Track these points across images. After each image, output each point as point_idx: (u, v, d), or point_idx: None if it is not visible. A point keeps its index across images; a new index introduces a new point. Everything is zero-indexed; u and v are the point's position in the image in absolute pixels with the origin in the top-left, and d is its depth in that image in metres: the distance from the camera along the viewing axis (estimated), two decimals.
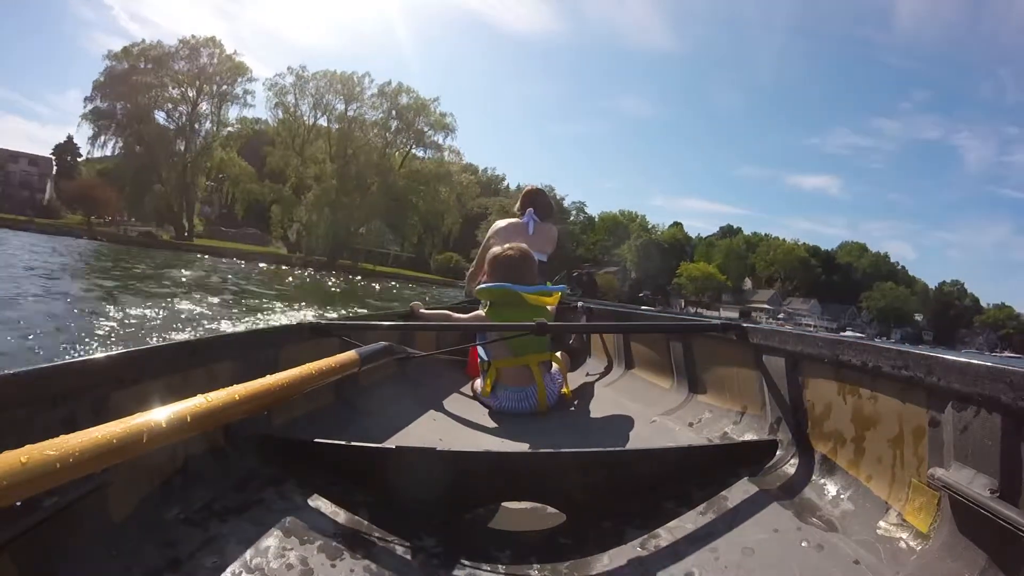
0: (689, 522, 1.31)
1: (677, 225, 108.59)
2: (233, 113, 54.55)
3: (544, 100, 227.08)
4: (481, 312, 2.73)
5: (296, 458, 1.49)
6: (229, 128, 54.50)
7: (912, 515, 1.11)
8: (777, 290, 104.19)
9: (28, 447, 0.77)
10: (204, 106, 52.86)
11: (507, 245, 2.76)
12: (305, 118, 54.90)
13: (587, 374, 3.28)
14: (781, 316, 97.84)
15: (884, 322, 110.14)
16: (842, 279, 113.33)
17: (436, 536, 1.26)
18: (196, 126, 52.41)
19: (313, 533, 1.22)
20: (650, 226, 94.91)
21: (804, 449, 1.50)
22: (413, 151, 56.30)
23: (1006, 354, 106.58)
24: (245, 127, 58.18)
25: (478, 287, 2.71)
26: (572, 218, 77.30)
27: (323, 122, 55.02)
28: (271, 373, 1.31)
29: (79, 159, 62.51)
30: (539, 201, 3.95)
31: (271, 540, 1.16)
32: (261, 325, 2.24)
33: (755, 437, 1.69)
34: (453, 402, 2.59)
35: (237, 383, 1.19)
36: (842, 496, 1.29)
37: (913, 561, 1.02)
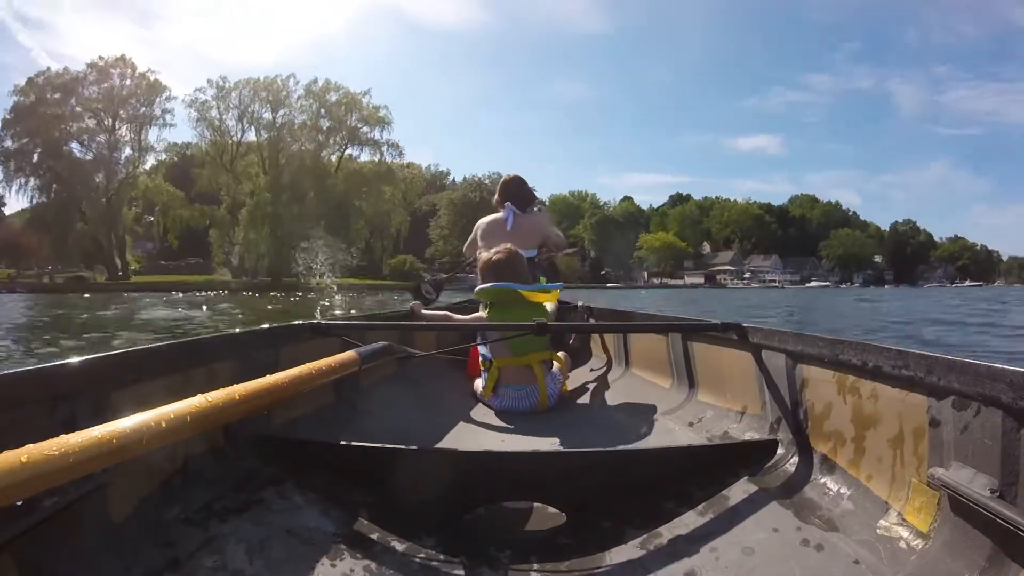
0: (689, 522, 1.33)
1: (628, 199, 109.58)
2: (154, 136, 51.41)
3: (479, 92, 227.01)
4: (482, 312, 2.77)
5: (296, 458, 1.50)
6: (153, 153, 51.84)
7: (912, 515, 1.12)
8: (736, 250, 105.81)
9: (28, 447, 0.78)
10: (123, 132, 49.97)
11: (494, 249, 2.77)
12: (232, 132, 52.26)
13: (587, 374, 3.32)
14: (747, 275, 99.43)
15: (845, 268, 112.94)
16: (798, 232, 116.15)
17: (436, 536, 1.29)
18: (115, 154, 49.43)
19: (313, 533, 1.24)
20: (602, 203, 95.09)
21: (804, 449, 1.50)
22: (350, 151, 54.29)
23: (967, 283, 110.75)
24: (173, 151, 55.79)
25: (476, 289, 2.73)
26: None
27: (252, 134, 52.48)
28: (271, 373, 1.31)
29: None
30: (516, 191, 3.73)
31: (271, 540, 1.18)
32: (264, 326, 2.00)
33: (755, 437, 1.69)
34: (453, 402, 2.63)
35: (237, 383, 1.19)
36: (842, 496, 1.30)
37: (913, 561, 1.04)
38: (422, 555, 1.22)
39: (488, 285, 2.63)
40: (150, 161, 52.51)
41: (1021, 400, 0.92)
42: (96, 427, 0.87)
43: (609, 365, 3.29)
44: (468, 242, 3.89)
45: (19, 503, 0.78)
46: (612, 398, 2.71)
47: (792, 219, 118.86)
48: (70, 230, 47.01)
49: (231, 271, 51.07)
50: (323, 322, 2.11)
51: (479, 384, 2.62)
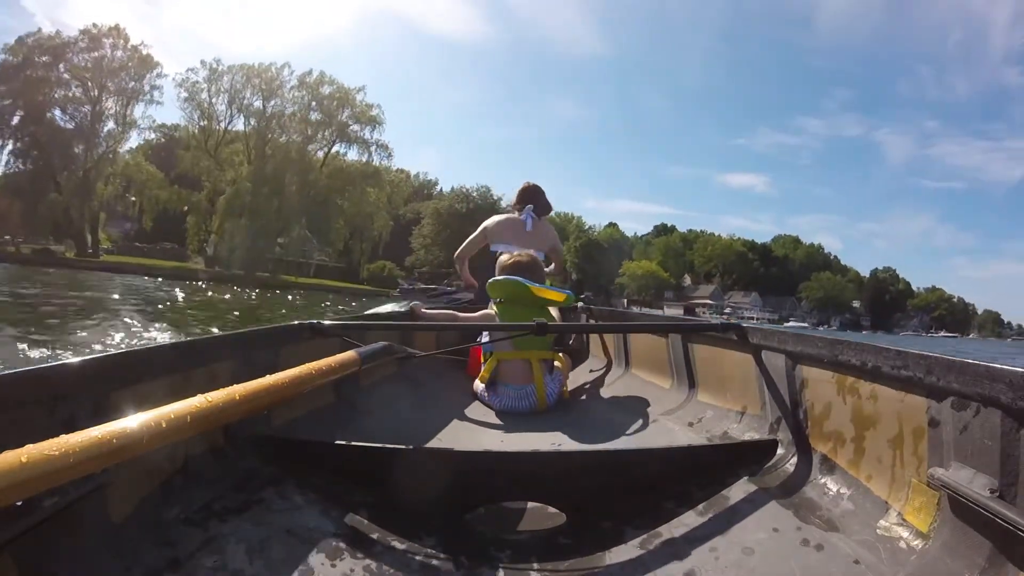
0: (689, 522, 1.34)
1: (613, 226, 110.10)
2: (139, 112, 49.38)
3: (474, 104, 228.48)
4: (490, 311, 2.80)
5: (296, 458, 1.51)
6: (137, 130, 49.99)
7: (912, 515, 1.14)
8: (717, 285, 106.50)
9: (28, 447, 0.78)
10: (109, 104, 48.01)
11: (516, 252, 2.87)
12: (220, 117, 50.05)
13: (587, 374, 3.35)
14: (727, 311, 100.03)
15: (824, 311, 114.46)
16: (780, 271, 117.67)
17: (436, 536, 1.31)
18: (98, 126, 47.31)
19: (313, 533, 1.25)
20: (587, 227, 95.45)
21: (804, 449, 1.52)
22: (337, 148, 52.25)
23: (941, 334, 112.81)
24: (160, 132, 54.43)
25: (489, 282, 2.76)
26: None
27: (240, 121, 50.19)
28: (271, 373, 1.32)
29: None
30: (537, 198, 3.94)
31: (271, 540, 1.19)
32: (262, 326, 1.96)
33: (755, 437, 1.71)
34: (453, 402, 2.64)
35: (237, 383, 1.20)
36: (842, 496, 1.31)
37: (913, 561, 1.05)
38: (422, 555, 1.23)
39: (501, 277, 2.69)
40: (133, 138, 50.84)
41: (1021, 400, 0.94)
42: (96, 427, 0.87)
43: (609, 365, 3.32)
44: (469, 240, 3.94)
45: (19, 503, 0.78)
46: (612, 398, 2.75)
47: (774, 258, 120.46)
48: (42, 199, 45.01)
49: (205, 260, 49.53)
50: (323, 322, 2.12)
51: (479, 384, 2.64)
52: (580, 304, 3.82)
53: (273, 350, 1.83)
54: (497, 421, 2.39)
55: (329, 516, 1.33)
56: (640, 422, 2.20)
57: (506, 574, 1.19)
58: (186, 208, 50.02)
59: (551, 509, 1.48)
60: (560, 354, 2.70)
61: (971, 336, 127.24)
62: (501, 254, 3.07)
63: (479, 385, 2.65)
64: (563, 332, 3.38)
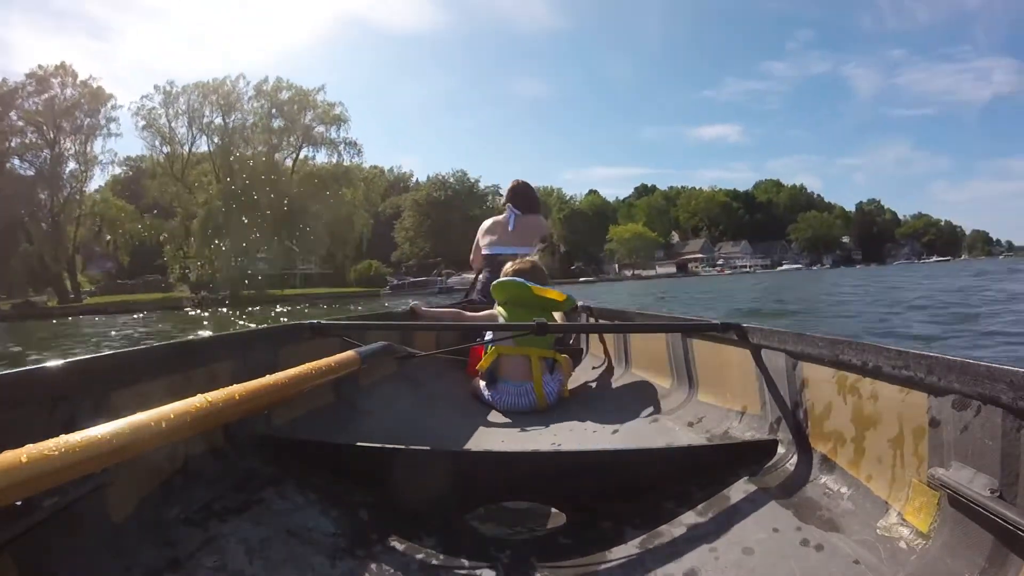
0: (689, 522, 1.35)
1: (594, 192, 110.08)
2: (99, 147, 47.26)
3: (440, 94, 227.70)
4: (493, 311, 2.84)
5: (296, 458, 1.53)
6: (100, 166, 47.77)
7: (912, 515, 1.14)
8: (706, 238, 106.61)
9: (28, 447, 0.78)
10: (67, 144, 46.27)
11: (517, 261, 2.94)
12: (182, 140, 48.63)
13: (587, 374, 3.37)
14: (720, 263, 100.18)
15: (814, 250, 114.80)
16: (765, 217, 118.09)
17: (436, 536, 1.32)
18: (60, 169, 45.57)
19: (313, 533, 1.26)
20: (568, 198, 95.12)
21: (804, 449, 1.52)
22: (305, 153, 51.18)
23: (934, 259, 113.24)
24: (126, 165, 52.80)
25: (492, 284, 2.82)
26: (489, 203, 76.12)
27: (203, 141, 48.81)
28: (271, 373, 1.32)
29: None
30: (519, 195, 4.09)
31: (271, 540, 1.20)
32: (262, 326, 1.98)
33: (755, 437, 1.70)
34: (453, 402, 2.68)
35: (237, 383, 1.20)
36: (842, 496, 1.32)
37: (913, 561, 1.05)
38: (422, 555, 1.24)
39: (502, 279, 2.74)
40: (98, 175, 49.25)
41: (1021, 400, 0.93)
42: (96, 427, 0.86)
43: (609, 365, 3.33)
44: (473, 247, 4.13)
45: (19, 503, 0.78)
46: (612, 398, 2.75)
47: (759, 204, 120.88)
48: (14, 252, 43.59)
49: (189, 287, 48.27)
50: (323, 322, 2.12)
51: (479, 384, 2.65)
52: (580, 304, 3.83)
53: (273, 350, 1.85)
54: (497, 421, 2.39)
55: (329, 516, 1.34)
56: (640, 422, 2.21)
57: (506, 574, 1.20)
58: (162, 237, 48.68)
59: (551, 509, 1.48)
60: (561, 355, 2.72)
61: (963, 258, 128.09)
62: (502, 258, 3.17)
63: (479, 384, 2.66)
64: (563, 332, 3.39)
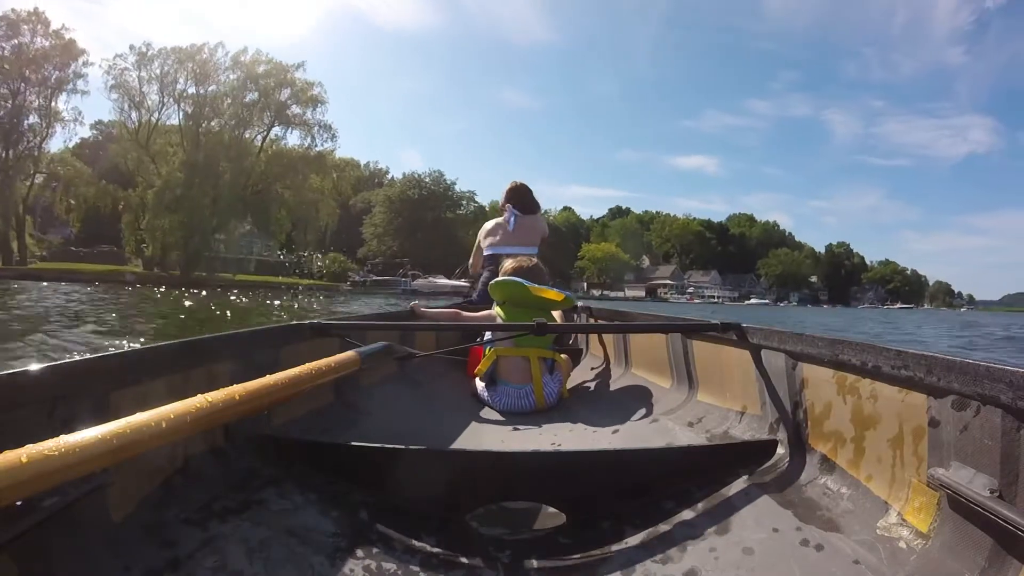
0: (689, 522, 1.37)
1: (568, 209, 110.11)
2: (64, 103, 44.89)
3: (424, 94, 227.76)
4: (492, 311, 2.87)
5: (296, 458, 1.54)
6: (64, 125, 45.13)
7: (912, 515, 1.15)
8: (676, 265, 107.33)
9: (28, 447, 0.79)
10: (31, 97, 43.75)
11: (516, 259, 2.96)
12: (152, 105, 44.75)
13: (587, 374, 3.38)
14: (690, 290, 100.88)
15: (782, 287, 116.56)
16: (737, 249, 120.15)
17: (436, 536, 1.34)
18: (18, 121, 43.00)
19: (313, 533, 1.28)
20: (542, 212, 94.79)
21: (804, 449, 1.54)
22: (277, 132, 47.40)
23: (897, 305, 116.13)
24: (97, 130, 49.68)
25: (491, 283, 2.83)
26: (462, 209, 75.30)
27: (174, 109, 45.03)
28: (271, 373, 1.33)
29: None
30: (519, 196, 4.15)
31: (271, 540, 1.22)
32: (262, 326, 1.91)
33: (755, 437, 1.73)
34: (453, 402, 2.69)
35: (237, 383, 1.21)
36: (842, 496, 1.33)
37: (913, 561, 1.06)
38: (422, 555, 1.25)
39: (501, 279, 2.75)
40: (60, 133, 46.74)
41: (1021, 400, 0.95)
42: (96, 427, 0.88)
43: (609, 365, 3.34)
44: (474, 250, 4.21)
45: (19, 503, 0.79)
46: (612, 398, 2.77)
47: (731, 237, 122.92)
48: None
49: (143, 262, 46.01)
50: (323, 322, 2.13)
51: (479, 383, 2.67)
52: (580, 304, 3.91)
53: (273, 350, 1.85)
54: (497, 421, 2.42)
55: (329, 516, 1.35)
56: (640, 422, 2.22)
57: (506, 574, 1.21)
58: (121, 206, 45.81)
59: (551, 509, 1.49)
60: (560, 355, 2.74)
61: (925, 307, 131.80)
62: (503, 259, 3.16)
63: (479, 384, 2.69)
64: (563, 332, 3.45)
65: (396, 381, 2.65)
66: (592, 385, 3.11)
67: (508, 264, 2.93)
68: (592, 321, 3.84)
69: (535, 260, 3.01)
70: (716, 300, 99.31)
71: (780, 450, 1.59)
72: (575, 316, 3.97)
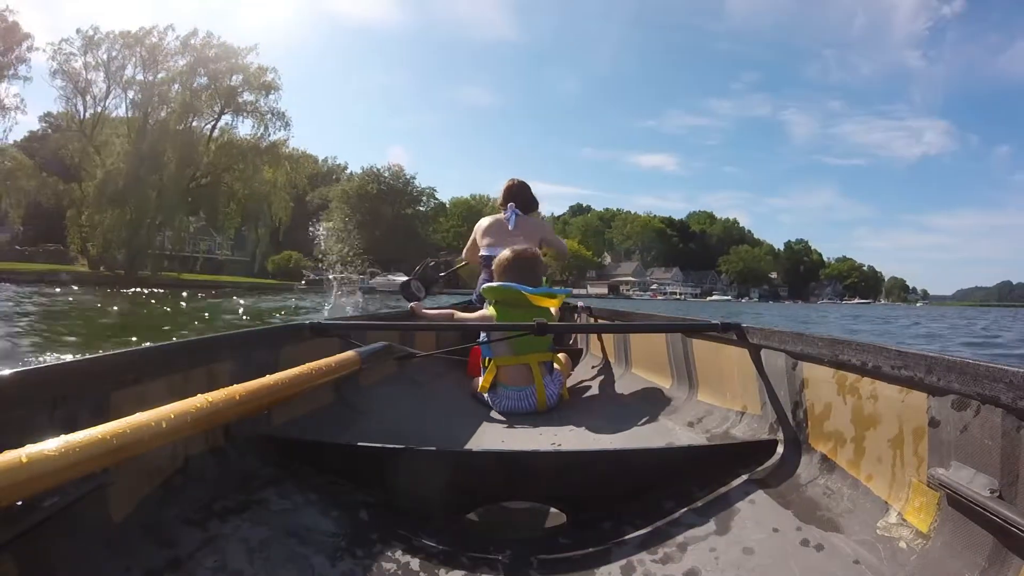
0: (689, 521, 1.38)
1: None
2: (3, 91, 40.51)
3: (385, 89, 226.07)
4: (486, 311, 2.85)
5: (296, 458, 1.56)
6: (6, 112, 40.61)
7: (912, 515, 1.16)
8: (638, 262, 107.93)
9: (28, 447, 0.80)
10: None
11: (516, 247, 2.91)
12: (98, 93, 41.70)
13: (587, 374, 3.40)
14: (654, 287, 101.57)
15: (743, 283, 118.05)
16: (698, 246, 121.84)
17: (436, 536, 1.35)
18: None
19: (313, 533, 1.29)
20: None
21: (804, 449, 1.56)
22: (227, 120, 44.07)
23: (856, 300, 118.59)
24: (46, 122, 46.20)
25: (484, 287, 2.85)
26: (423, 205, 74.31)
27: (122, 96, 41.75)
28: (271, 373, 1.35)
29: None
30: (520, 195, 4.08)
31: (271, 540, 1.23)
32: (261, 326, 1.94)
33: (755, 437, 1.74)
34: (453, 402, 2.71)
35: (237, 383, 1.22)
36: (842, 496, 1.34)
37: (913, 561, 1.07)
38: (422, 555, 1.27)
39: (495, 284, 2.72)
40: (2, 123, 42.27)
41: (1021, 400, 0.96)
42: (96, 427, 0.89)
43: (609, 365, 3.36)
44: (468, 246, 4.14)
45: (19, 503, 0.80)
46: (612, 398, 2.78)
47: (692, 234, 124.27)
48: None
49: (89, 261, 42.75)
50: (323, 322, 2.14)
51: (479, 382, 2.68)
52: (580, 304, 3.99)
53: (273, 350, 1.86)
54: (497, 421, 2.43)
55: (329, 516, 1.37)
56: (640, 422, 2.23)
57: (506, 574, 1.23)
58: (66, 202, 42.53)
59: (551, 509, 1.52)
60: (559, 355, 2.77)
61: (882, 302, 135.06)
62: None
63: (479, 383, 2.69)
64: (563, 332, 3.55)
65: (396, 381, 2.65)
66: (592, 385, 3.11)
67: (506, 254, 2.87)
68: (592, 321, 3.85)
69: (536, 250, 2.96)
70: (679, 296, 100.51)
71: (780, 450, 1.60)
72: (575, 316, 4.02)
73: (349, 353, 1.71)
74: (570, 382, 2.92)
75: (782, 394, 1.70)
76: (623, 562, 1.25)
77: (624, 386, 2.89)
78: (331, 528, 1.31)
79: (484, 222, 4.03)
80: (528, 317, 2.47)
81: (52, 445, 0.81)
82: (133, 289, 25.30)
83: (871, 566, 1.09)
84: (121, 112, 42.43)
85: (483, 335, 2.72)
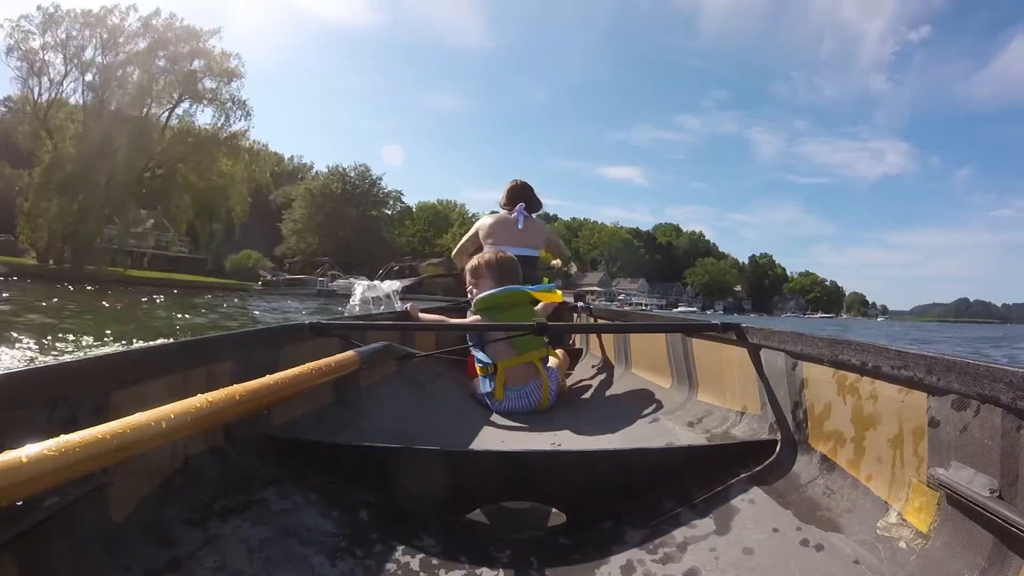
0: (689, 521, 1.39)
1: (496, 213, 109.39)
2: None
3: (355, 92, 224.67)
4: (477, 316, 2.83)
5: (296, 458, 1.56)
6: None
7: (912, 515, 1.17)
8: (604, 272, 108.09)
9: (28, 447, 0.80)
10: None
11: (492, 251, 2.97)
12: (55, 75, 39.32)
13: (587, 374, 3.42)
14: (621, 296, 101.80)
15: (708, 295, 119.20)
16: (664, 258, 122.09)
17: (436, 536, 1.36)
18: None
19: (313, 533, 1.30)
20: (471, 215, 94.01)
21: (804, 449, 1.57)
22: (186, 107, 41.72)
23: (818, 315, 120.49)
24: (5, 107, 42.45)
25: (482, 295, 2.77)
26: (388, 208, 73.15)
27: (79, 79, 39.07)
28: (271, 373, 1.36)
29: None
30: (527, 195, 4.09)
31: (271, 540, 1.24)
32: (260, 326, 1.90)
33: (755, 437, 1.75)
34: (453, 402, 2.71)
35: (237, 383, 1.24)
36: (842, 496, 1.35)
37: (913, 561, 1.08)
38: (422, 555, 1.28)
39: (499, 290, 2.71)
40: None
41: (1021, 400, 0.97)
42: (96, 427, 0.89)
43: (609, 365, 3.36)
44: (464, 241, 4.11)
45: (19, 503, 0.81)
46: (612, 398, 2.80)
47: (658, 245, 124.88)
48: None
49: (39, 253, 40.11)
50: (323, 322, 2.14)
51: (479, 385, 2.69)
52: (580, 304, 3.99)
53: (273, 350, 1.87)
54: (497, 421, 2.43)
55: (329, 516, 1.37)
56: (640, 422, 2.24)
57: (506, 574, 1.24)
58: (16, 189, 39.60)
59: (551, 509, 1.52)
60: (557, 351, 2.83)
61: (844, 316, 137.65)
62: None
63: (479, 385, 2.69)
64: (563, 332, 3.61)
65: (396, 381, 2.64)
66: (592, 385, 3.12)
67: (488, 256, 2.89)
68: (592, 321, 3.87)
69: (510, 255, 2.95)
70: (645, 307, 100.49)
71: (780, 450, 1.60)
72: (575, 316, 4.04)
73: (349, 353, 1.71)
74: (570, 382, 2.96)
75: (782, 394, 1.69)
76: (623, 562, 1.26)
77: (624, 386, 2.90)
78: (331, 528, 1.32)
79: (488, 220, 4.01)
80: (522, 318, 2.54)
81: (52, 445, 0.81)
82: (75, 285, 23.71)
83: (871, 566, 1.10)
84: (78, 96, 40.15)
85: (471, 342, 2.71)
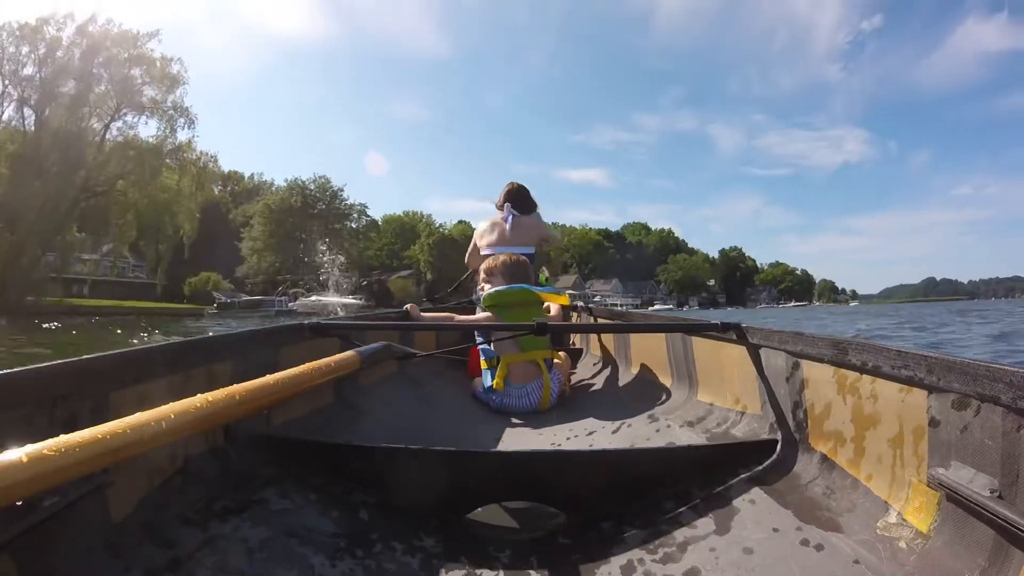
0: (689, 521, 1.41)
1: (464, 223, 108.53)
2: None
3: (315, 105, 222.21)
4: (486, 313, 2.85)
5: (296, 458, 1.57)
6: None
7: (912, 515, 1.18)
8: (577, 275, 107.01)
9: (28, 447, 0.81)
10: None
11: (510, 254, 3.00)
12: None
13: (587, 373, 3.44)
14: (597, 298, 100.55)
15: (682, 292, 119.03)
16: (635, 257, 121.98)
17: (436, 536, 1.38)
18: None
19: (313, 533, 1.31)
20: (437, 225, 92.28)
21: (804, 448, 1.58)
22: (126, 119, 37.37)
23: (791, 304, 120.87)
24: None
25: (490, 291, 2.81)
26: (352, 221, 70.62)
27: (13, 92, 35.71)
28: (271, 373, 1.36)
29: None
30: (518, 196, 4.19)
31: (271, 540, 1.25)
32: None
33: (755, 436, 1.76)
34: (453, 402, 2.72)
35: (237, 383, 1.24)
36: (842, 496, 1.36)
37: (913, 561, 1.09)
38: (422, 555, 1.29)
39: (505, 287, 2.77)
40: None
41: (1021, 400, 0.97)
42: (96, 427, 0.89)
43: (609, 365, 3.38)
44: (470, 249, 4.23)
45: (19, 503, 0.82)
46: (612, 398, 2.80)
47: (629, 245, 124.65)
48: None
49: None
50: (323, 322, 2.15)
51: (479, 384, 2.71)
52: (580, 304, 4.18)
53: (273, 350, 1.89)
54: (497, 421, 2.47)
55: (329, 516, 1.39)
56: (640, 422, 2.26)
57: (506, 574, 1.25)
58: None
59: (551, 509, 1.54)
60: (559, 352, 2.85)
61: (816, 304, 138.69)
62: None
63: (480, 384, 2.72)
64: (563, 332, 3.67)
65: (396, 381, 2.65)
66: (592, 385, 3.13)
67: (502, 258, 2.94)
68: (592, 321, 3.91)
69: (522, 258, 3.02)
70: (620, 307, 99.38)
71: (780, 449, 1.61)
72: (575, 316, 4.17)
73: (349, 353, 1.71)
74: (571, 382, 2.98)
75: (782, 394, 1.70)
76: (623, 562, 1.27)
77: (624, 386, 2.91)
78: (331, 528, 1.33)
79: (483, 225, 4.12)
80: (527, 317, 2.58)
81: (52, 445, 0.81)
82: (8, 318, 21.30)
83: (871, 566, 1.11)
84: (16, 115, 36.92)
85: (479, 337, 2.73)
